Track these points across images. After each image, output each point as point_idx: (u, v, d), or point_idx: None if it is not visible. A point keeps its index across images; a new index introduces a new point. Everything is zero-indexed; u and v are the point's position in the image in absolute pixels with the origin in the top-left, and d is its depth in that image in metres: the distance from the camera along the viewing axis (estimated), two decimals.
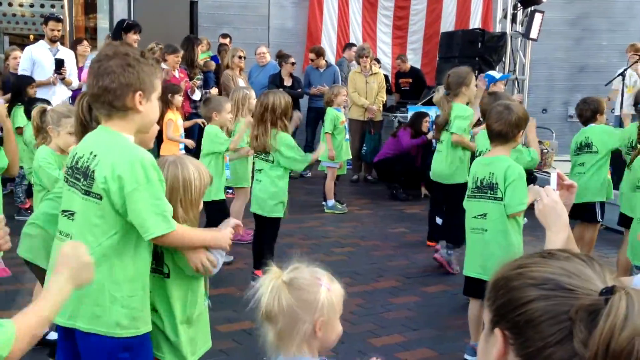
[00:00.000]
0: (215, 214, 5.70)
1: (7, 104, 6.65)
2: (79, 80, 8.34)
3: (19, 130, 6.57)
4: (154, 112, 2.54)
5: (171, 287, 2.64)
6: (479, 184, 3.99)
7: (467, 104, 5.93)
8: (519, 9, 10.58)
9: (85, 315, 2.42)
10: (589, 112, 5.83)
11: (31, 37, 12.26)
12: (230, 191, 7.15)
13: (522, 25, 10.60)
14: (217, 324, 4.28)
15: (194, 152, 6.71)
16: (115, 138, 2.44)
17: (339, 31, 12.24)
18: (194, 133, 8.09)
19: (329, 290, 1.85)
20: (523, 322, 0.99)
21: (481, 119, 5.73)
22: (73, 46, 9.08)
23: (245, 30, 11.49)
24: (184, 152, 6.82)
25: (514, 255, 1.10)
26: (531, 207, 2.46)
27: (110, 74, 2.39)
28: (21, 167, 5.95)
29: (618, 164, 5.93)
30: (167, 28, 10.21)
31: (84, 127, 2.64)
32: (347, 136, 8.20)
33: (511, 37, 10.63)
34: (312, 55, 10.10)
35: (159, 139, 6.85)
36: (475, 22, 12.56)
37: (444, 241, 5.91)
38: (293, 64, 9.63)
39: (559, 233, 1.94)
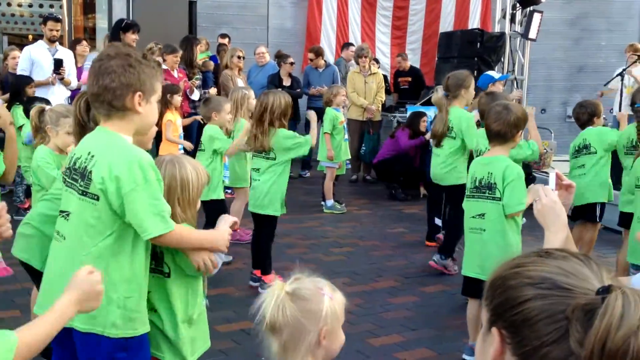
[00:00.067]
0: (214, 213, 5.69)
1: (6, 104, 6.66)
2: (78, 80, 8.34)
3: (19, 129, 6.56)
4: (153, 114, 2.54)
5: (172, 287, 2.64)
6: (477, 183, 4.00)
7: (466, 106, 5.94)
8: (517, 9, 10.59)
9: (82, 315, 2.42)
10: (585, 115, 5.84)
11: (30, 37, 12.24)
12: (229, 191, 7.15)
13: (520, 26, 10.60)
14: (216, 324, 4.28)
15: (192, 153, 6.70)
16: (113, 139, 2.44)
17: (338, 31, 12.25)
18: (193, 131, 8.09)
19: (331, 300, 1.86)
20: (519, 321, 0.99)
21: (480, 119, 5.73)
22: (72, 46, 9.07)
23: (244, 30, 11.49)
24: (182, 152, 6.83)
25: (512, 255, 1.10)
26: (530, 207, 2.46)
27: (111, 74, 2.39)
28: (19, 167, 5.94)
29: (616, 165, 5.94)
30: (166, 28, 10.21)
31: (82, 127, 2.64)
32: (346, 136, 8.21)
33: (510, 37, 10.64)
34: (311, 55, 10.10)
35: (158, 139, 6.85)
36: (474, 22, 12.56)
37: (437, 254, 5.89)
38: (292, 64, 9.63)
39: (558, 233, 1.94)
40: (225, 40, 10.36)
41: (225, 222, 2.72)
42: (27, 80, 7.50)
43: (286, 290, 1.83)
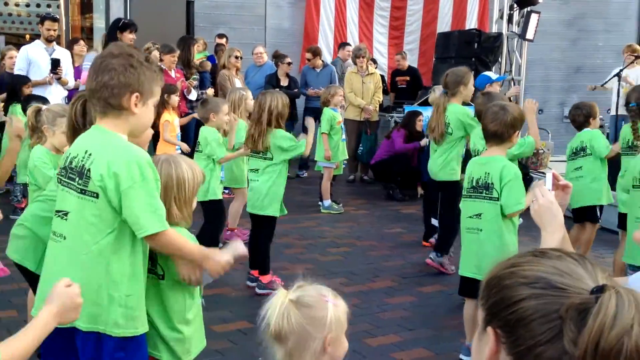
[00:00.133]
0: (212, 213, 5.70)
1: (3, 104, 6.66)
2: (75, 80, 8.33)
3: None
4: (149, 117, 2.54)
5: (167, 288, 2.65)
6: (474, 183, 4.00)
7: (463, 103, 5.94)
8: (515, 9, 10.60)
9: (84, 314, 2.42)
10: (581, 117, 5.85)
11: (27, 36, 12.24)
12: (227, 191, 7.15)
13: (518, 26, 10.61)
14: (212, 324, 4.28)
15: (190, 154, 6.70)
16: (109, 137, 2.44)
17: (336, 31, 12.25)
18: (191, 132, 8.09)
19: (335, 306, 1.86)
20: (514, 321, 1.00)
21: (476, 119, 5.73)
22: (69, 46, 9.06)
23: (242, 30, 11.49)
24: (179, 152, 6.82)
25: (508, 255, 1.10)
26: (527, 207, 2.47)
27: (111, 71, 2.40)
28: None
29: (613, 165, 5.95)
30: (163, 28, 10.21)
31: (75, 131, 2.63)
32: (344, 136, 8.21)
33: (507, 37, 10.64)
34: (308, 55, 10.10)
35: (155, 139, 6.84)
36: (471, 23, 12.57)
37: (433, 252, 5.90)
38: (289, 64, 9.62)
39: (555, 233, 1.94)
40: (223, 40, 10.36)
41: (232, 251, 2.65)
42: (23, 79, 7.49)
43: (290, 298, 1.82)
